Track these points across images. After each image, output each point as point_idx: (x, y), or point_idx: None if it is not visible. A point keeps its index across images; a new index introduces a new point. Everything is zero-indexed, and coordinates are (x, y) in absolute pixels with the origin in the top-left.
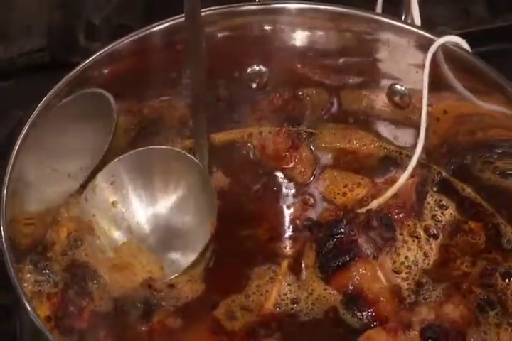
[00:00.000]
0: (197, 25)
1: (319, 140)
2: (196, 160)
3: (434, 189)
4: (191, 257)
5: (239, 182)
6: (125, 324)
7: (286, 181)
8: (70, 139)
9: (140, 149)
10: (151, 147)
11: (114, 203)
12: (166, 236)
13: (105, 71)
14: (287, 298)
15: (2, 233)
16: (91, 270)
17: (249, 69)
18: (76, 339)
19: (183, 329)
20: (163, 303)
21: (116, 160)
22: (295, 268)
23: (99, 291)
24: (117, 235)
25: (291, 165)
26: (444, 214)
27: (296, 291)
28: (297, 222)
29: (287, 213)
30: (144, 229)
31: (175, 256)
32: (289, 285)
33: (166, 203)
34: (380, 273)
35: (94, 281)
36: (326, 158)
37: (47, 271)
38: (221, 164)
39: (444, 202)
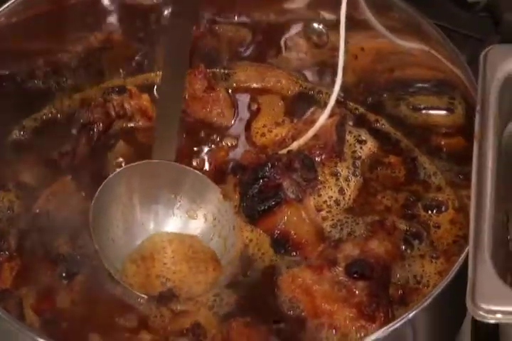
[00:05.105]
0: None
1: (234, 79)
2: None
3: (350, 123)
4: None
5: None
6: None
7: (205, 124)
8: None
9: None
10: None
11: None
12: None
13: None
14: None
15: None
16: None
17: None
18: None
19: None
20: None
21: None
22: None
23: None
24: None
25: (209, 107)
26: (362, 149)
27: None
28: (220, 165)
29: (209, 157)
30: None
31: None
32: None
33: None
34: (305, 216)
35: None
36: (243, 98)
37: None
38: None
39: (362, 137)
